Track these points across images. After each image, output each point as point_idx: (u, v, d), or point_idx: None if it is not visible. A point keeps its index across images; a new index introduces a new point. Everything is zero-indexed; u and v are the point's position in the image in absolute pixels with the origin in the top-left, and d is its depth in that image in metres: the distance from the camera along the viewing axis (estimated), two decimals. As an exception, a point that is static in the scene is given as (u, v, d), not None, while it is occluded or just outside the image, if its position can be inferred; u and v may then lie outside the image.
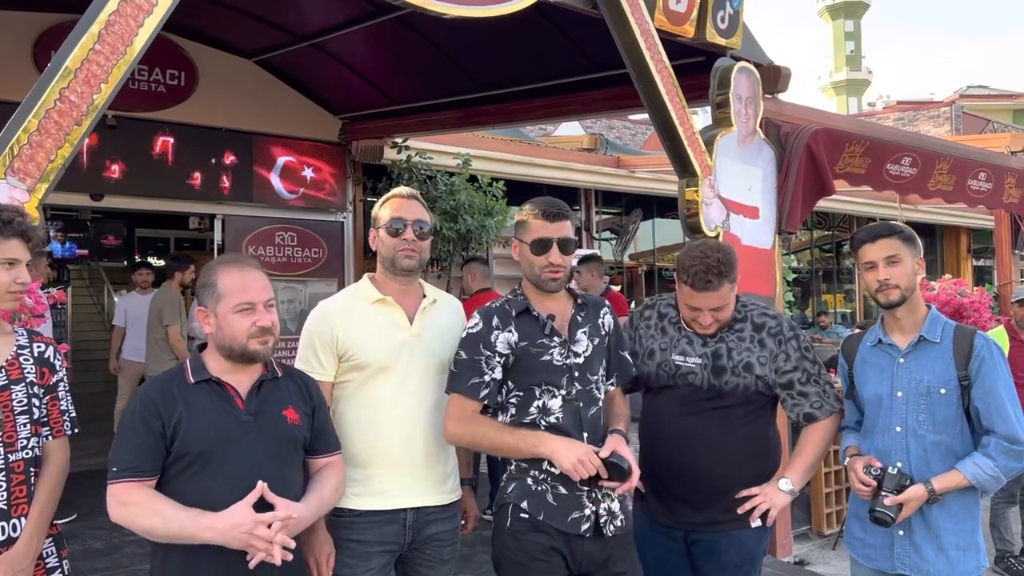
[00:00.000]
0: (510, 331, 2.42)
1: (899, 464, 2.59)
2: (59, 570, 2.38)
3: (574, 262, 7.25)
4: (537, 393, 2.41)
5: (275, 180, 7.22)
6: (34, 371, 2.30)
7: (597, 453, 2.31)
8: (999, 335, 5.19)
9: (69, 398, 2.40)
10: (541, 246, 2.42)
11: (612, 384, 2.62)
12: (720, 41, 4.67)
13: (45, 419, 2.32)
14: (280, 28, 6.32)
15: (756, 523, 2.60)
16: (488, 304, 2.51)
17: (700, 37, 4.58)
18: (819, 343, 10.43)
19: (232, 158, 6.95)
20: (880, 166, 5.47)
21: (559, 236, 2.43)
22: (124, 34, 2.72)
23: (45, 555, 2.33)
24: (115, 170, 6.34)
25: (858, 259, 2.72)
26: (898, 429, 2.64)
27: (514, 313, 2.45)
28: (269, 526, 2.00)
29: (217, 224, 7.17)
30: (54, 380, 2.36)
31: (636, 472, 2.33)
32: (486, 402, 2.41)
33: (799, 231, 5.89)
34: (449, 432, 2.45)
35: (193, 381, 2.15)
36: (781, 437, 2.86)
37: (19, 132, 2.55)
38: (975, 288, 7.17)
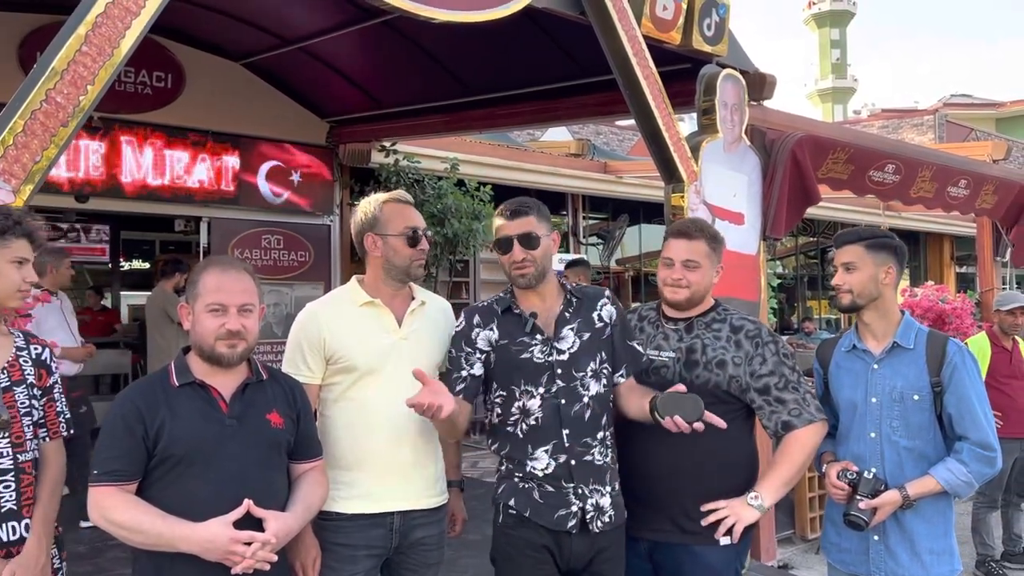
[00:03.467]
0: (491, 329, 2.51)
1: (874, 469, 2.60)
2: (60, 572, 2.40)
3: (560, 266, 7.27)
4: (517, 394, 2.47)
5: (261, 183, 7.18)
6: (33, 372, 2.33)
7: None
8: (981, 341, 5.24)
9: (64, 399, 2.44)
10: (503, 245, 2.51)
11: (622, 376, 2.57)
12: (706, 48, 4.70)
13: (42, 420, 2.35)
14: (268, 31, 6.30)
15: (724, 540, 2.48)
16: (476, 304, 2.63)
17: (686, 44, 4.62)
18: (804, 349, 10.48)
19: (218, 161, 6.92)
20: (863, 173, 5.52)
21: (519, 232, 2.48)
22: (111, 35, 2.72)
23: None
24: (100, 172, 6.30)
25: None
26: (872, 435, 2.66)
27: (499, 311, 2.54)
28: (248, 543, 2.00)
29: (203, 227, 7.12)
30: (50, 382, 2.39)
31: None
32: (462, 396, 2.46)
33: (784, 238, 5.91)
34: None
35: (177, 384, 2.15)
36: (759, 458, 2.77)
37: (4, 133, 2.54)
38: (957, 294, 7.25)
